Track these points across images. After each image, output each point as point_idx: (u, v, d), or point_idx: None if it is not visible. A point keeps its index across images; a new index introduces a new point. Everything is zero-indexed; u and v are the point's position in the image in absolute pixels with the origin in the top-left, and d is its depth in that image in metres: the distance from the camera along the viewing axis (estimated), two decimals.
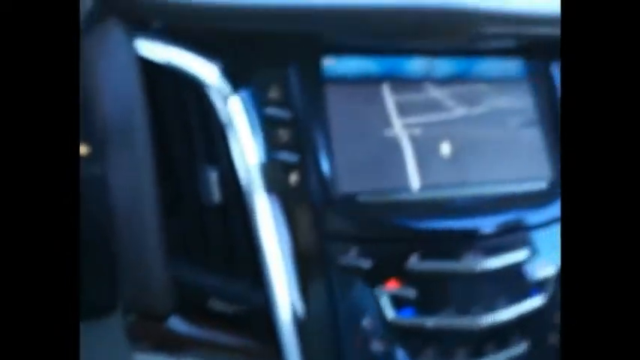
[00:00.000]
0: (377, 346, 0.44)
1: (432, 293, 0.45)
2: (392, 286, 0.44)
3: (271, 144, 0.44)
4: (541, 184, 0.50)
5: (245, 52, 0.46)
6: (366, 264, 0.44)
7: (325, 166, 0.45)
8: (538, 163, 0.51)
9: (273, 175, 0.44)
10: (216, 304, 0.45)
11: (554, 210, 0.49)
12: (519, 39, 0.52)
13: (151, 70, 0.43)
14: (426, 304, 0.45)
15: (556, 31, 0.51)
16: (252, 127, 0.44)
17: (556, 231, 0.49)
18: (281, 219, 0.43)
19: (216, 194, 0.44)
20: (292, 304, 0.43)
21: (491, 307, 0.46)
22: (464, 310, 0.45)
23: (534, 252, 0.47)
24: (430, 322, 0.44)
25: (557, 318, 0.49)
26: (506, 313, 0.46)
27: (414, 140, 0.48)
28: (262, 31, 0.45)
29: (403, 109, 0.49)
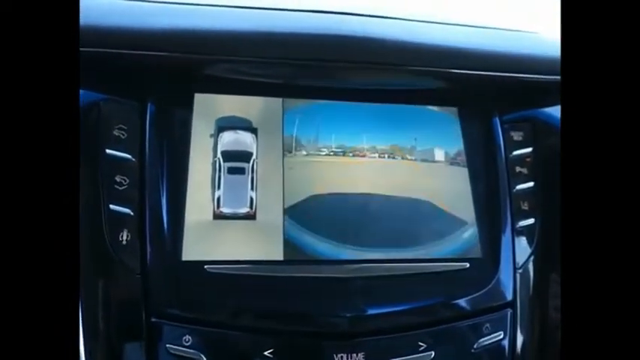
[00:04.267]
0: None
1: None
2: None
3: (106, 192, 0.36)
4: (463, 265, 0.39)
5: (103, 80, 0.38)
6: (201, 356, 0.33)
7: (168, 223, 0.36)
8: (460, 239, 0.40)
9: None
10: None
11: (473, 300, 0.38)
12: (450, 81, 0.42)
13: None
14: None
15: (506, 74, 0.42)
16: (90, 169, 0.36)
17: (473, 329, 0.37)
18: (97, 285, 0.34)
19: None
20: None
21: None
22: None
23: (440, 354, 0.36)
24: None
25: None
26: None
27: (296, 199, 0.39)
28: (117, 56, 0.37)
29: (291, 161, 0.40)
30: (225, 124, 0.40)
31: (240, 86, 0.41)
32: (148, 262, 0.35)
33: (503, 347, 0.38)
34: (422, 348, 0.35)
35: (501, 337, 0.38)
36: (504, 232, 0.41)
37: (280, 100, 0.42)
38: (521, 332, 0.39)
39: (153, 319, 0.34)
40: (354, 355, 0.34)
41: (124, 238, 0.35)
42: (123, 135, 0.37)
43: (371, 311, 0.35)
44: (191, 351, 0.33)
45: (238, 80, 0.40)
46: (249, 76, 0.40)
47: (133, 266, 0.35)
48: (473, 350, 0.37)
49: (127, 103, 0.38)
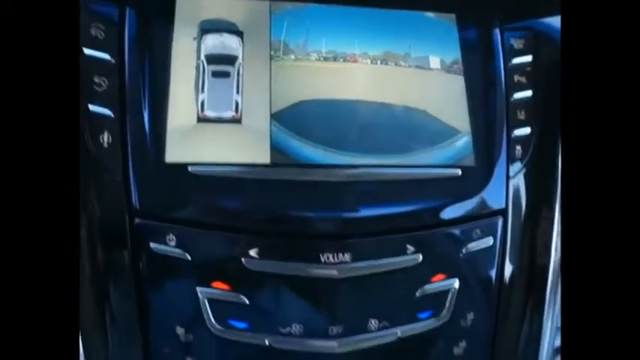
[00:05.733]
0: None
1: (274, 304, 0.34)
2: (219, 288, 0.33)
3: (85, 93, 0.34)
4: (455, 172, 0.38)
5: None
6: (186, 255, 0.33)
7: (151, 125, 0.35)
8: (453, 147, 0.39)
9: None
10: None
11: (463, 206, 0.37)
12: None
13: None
14: (264, 317, 0.34)
15: None
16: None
17: (465, 235, 0.37)
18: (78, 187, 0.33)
19: None
20: (91, 298, 0.33)
21: (356, 329, 0.34)
22: (318, 329, 0.34)
23: (428, 258, 0.35)
24: (268, 341, 0.33)
25: (454, 348, 0.37)
26: (378, 338, 0.34)
27: (283, 104, 0.37)
28: None
29: (279, 66, 0.38)
30: (209, 27, 0.38)
31: None
32: (130, 163, 0.34)
33: (493, 254, 0.38)
34: (410, 251, 0.35)
35: (491, 243, 0.37)
36: (499, 140, 0.39)
37: (267, 2, 0.40)
38: (512, 240, 0.38)
39: (136, 220, 0.33)
40: (341, 254, 0.34)
41: (105, 140, 0.34)
42: (101, 35, 0.36)
43: (359, 213, 0.35)
44: (176, 250, 0.33)
45: None
46: None
47: (114, 168, 0.34)
48: (461, 255, 0.36)
49: (105, 4, 0.36)
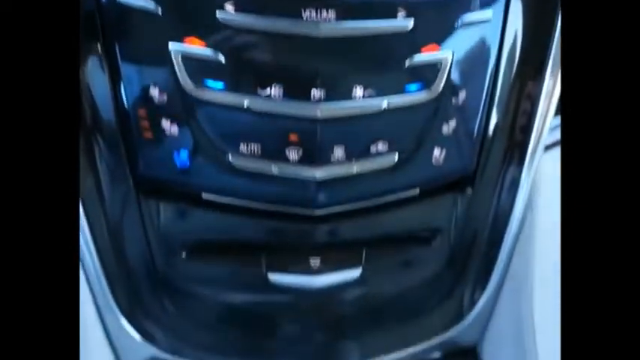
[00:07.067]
0: (168, 126, 0.33)
1: (252, 63, 0.32)
2: (193, 44, 0.31)
3: None
4: None
5: None
6: (157, 8, 0.30)
7: None
8: None
9: None
10: None
11: None
12: None
13: None
14: (242, 78, 0.32)
15: None
16: None
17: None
18: None
19: None
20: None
21: (340, 94, 0.32)
22: (300, 92, 0.32)
23: (420, 24, 0.32)
24: (246, 102, 0.32)
25: (443, 127, 0.35)
26: (363, 107, 0.33)
27: None
28: None
29: None
30: None
31: None
32: None
33: (491, 29, 0.35)
34: (401, 15, 0.32)
35: (490, 16, 0.34)
36: None
37: None
38: (512, 16, 0.35)
39: None
40: (325, 11, 0.30)
41: None
42: None
43: None
44: (145, 2, 0.30)
45: None
46: None
47: None
48: (457, 25, 0.33)
49: None
